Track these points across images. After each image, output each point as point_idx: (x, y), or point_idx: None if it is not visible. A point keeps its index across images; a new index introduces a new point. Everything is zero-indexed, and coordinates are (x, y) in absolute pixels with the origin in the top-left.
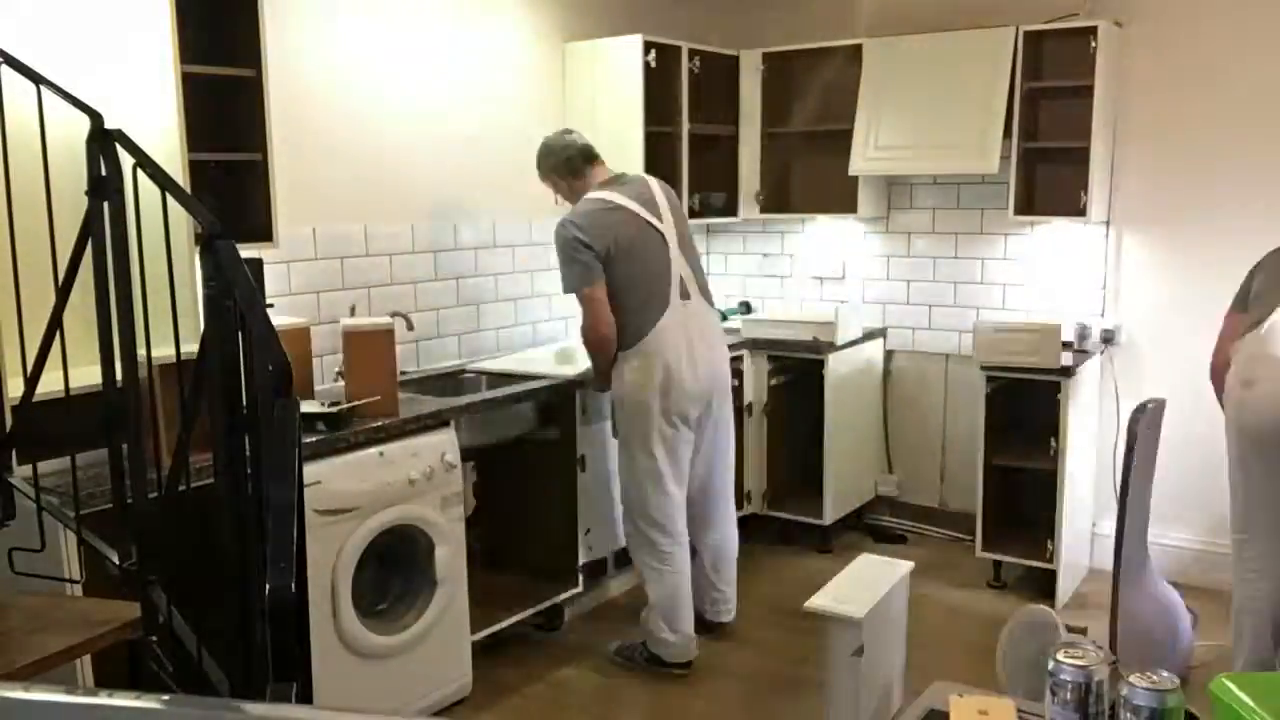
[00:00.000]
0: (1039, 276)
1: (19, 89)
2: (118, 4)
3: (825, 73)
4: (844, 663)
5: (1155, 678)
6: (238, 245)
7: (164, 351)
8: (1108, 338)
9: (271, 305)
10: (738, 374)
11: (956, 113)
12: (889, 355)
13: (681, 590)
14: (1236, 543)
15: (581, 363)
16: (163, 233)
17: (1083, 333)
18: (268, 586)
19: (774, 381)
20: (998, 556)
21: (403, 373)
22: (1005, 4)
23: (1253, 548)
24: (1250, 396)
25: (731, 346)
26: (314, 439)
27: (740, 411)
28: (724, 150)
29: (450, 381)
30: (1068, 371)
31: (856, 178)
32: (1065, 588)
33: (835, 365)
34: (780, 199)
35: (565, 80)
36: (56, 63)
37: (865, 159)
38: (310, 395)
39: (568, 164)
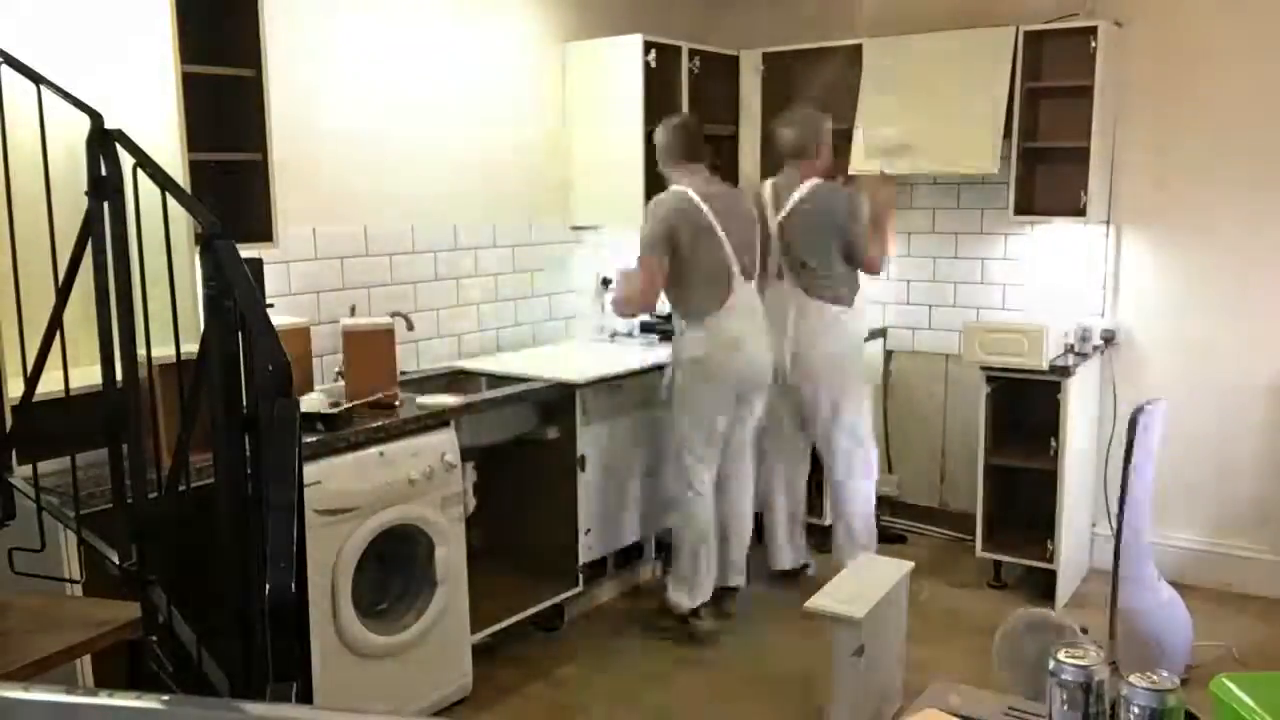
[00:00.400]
0: (1039, 277)
1: (19, 89)
2: (118, 4)
3: (825, 73)
4: (844, 663)
5: (1155, 678)
6: (238, 245)
7: (164, 351)
8: (1108, 338)
9: (271, 305)
10: None
11: (956, 113)
12: (889, 355)
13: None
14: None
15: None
16: (163, 233)
17: (1083, 333)
18: (268, 586)
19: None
20: (998, 556)
21: (403, 373)
22: (1005, 4)
23: None
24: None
25: None
26: (314, 439)
27: None
28: (724, 150)
29: (450, 381)
30: (1067, 372)
31: (855, 177)
32: (1065, 588)
33: None
34: None
35: (565, 80)
36: (56, 63)
37: (865, 159)
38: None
39: None
